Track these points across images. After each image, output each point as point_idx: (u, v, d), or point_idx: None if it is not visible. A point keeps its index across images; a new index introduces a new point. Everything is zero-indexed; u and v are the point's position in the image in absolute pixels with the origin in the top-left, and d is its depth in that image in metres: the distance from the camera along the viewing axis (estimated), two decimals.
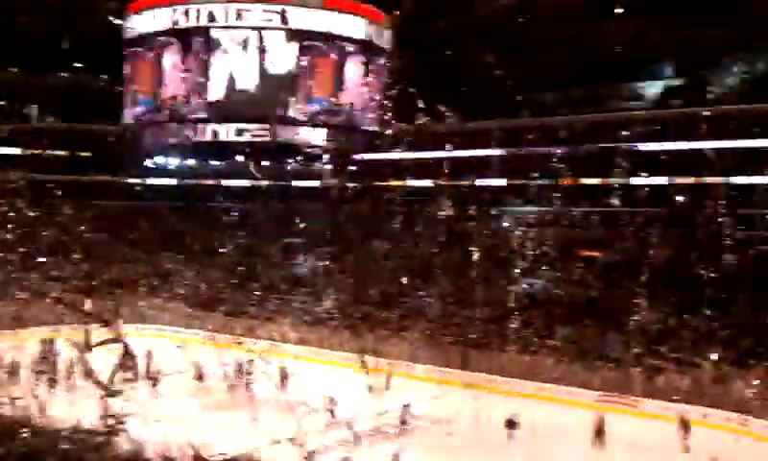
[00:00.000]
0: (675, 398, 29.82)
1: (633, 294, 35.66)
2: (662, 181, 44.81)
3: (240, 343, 41.24)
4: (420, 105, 52.50)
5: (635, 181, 45.29)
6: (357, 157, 54.85)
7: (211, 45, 51.49)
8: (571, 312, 36.35)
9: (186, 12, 51.36)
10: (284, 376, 32.20)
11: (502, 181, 50.50)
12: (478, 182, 49.83)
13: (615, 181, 46.39)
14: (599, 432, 26.34)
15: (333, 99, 53.28)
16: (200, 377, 33.31)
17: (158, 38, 52.95)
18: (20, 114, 57.90)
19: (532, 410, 28.75)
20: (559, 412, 29.89)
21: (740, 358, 30.27)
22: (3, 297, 41.64)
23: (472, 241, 43.25)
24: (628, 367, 32.04)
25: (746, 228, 39.18)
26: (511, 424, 27.22)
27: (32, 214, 48.21)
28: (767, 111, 40.66)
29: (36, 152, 55.99)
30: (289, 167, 55.87)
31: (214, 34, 51.46)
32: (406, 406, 27.95)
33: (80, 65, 59.44)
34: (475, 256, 41.65)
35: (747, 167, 40.66)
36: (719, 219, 39.34)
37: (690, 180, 43.69)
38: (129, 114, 54.74)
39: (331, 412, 27.69)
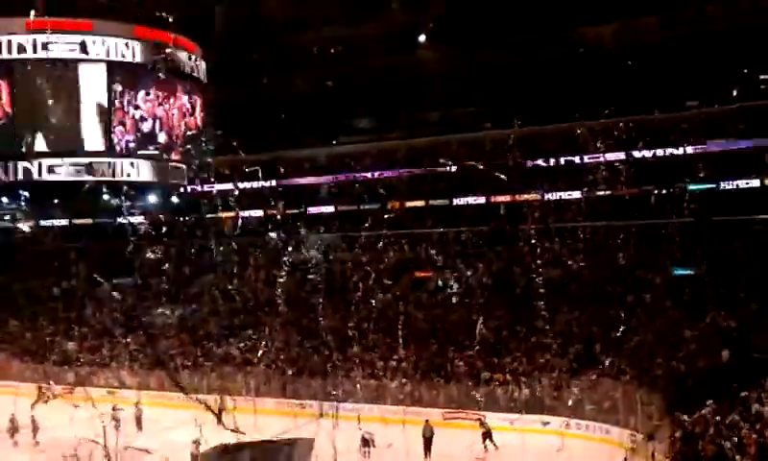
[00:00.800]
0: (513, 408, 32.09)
1: (467, 311, 37.67)
2: (481, 200, 47.72)
3: (72, 392, 39.87)
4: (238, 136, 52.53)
5: (457, 201, 47.76)
6: (181, 189, 53.79)
7: (15, 78, 48.83)
8: (412, 333, 37.66)
9: None
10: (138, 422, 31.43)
11: (330, 208, 51.69)
12: (309, 211, 50.55)
13: (440, 202, 48.71)
14: (427, 444, 29.04)
15: (151, 131, 52.08)
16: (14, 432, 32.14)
17: None
18: None
19: (383, 431, 30.04)
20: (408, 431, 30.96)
21: (571, 366, 32.74)
22: None
23: (309, 269, 43.79)
24: (469, 383, 33.75)
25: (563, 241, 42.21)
26: (365, 442, 28.33)
27: None
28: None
29: None
30: (112, 203, 53.82)
31: (17, 66, 48.81)
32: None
33: None
34: (314, 285, 42.17)
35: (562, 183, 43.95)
36: (537, 235, 42.21)
37: (507, 198, 46.76)
38: None
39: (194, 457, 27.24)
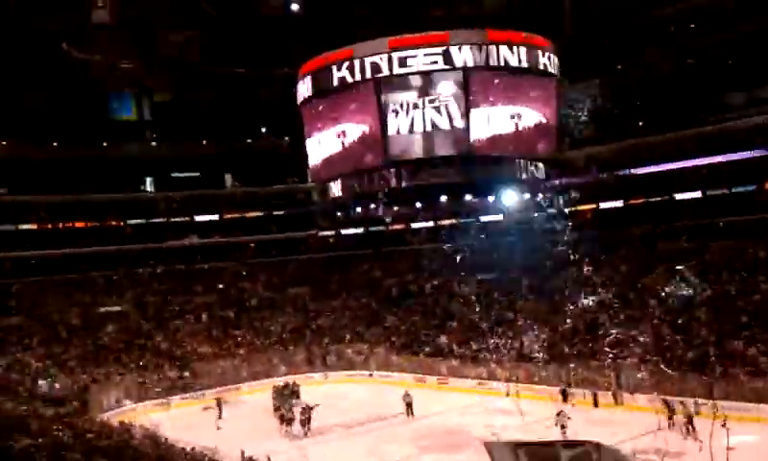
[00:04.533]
0: None
1: None
2: None
3: (446, 383, 42.00)
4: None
5: None
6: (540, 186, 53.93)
7: (382, 95, 52.30)
8: None
9: (351, 68, 52.29)
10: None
11: (697, 194, 48.34)
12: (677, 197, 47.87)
13: None
14: None
15: (510, 131, 52.82)
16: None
17: (330, 96, 54.48)
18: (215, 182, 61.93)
19: None
20: None
21: None
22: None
23: (676, 261, 41.43)
24: None
25: None
26: None
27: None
28: None
29: (233, 216, 59.85)
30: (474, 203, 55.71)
31: (383, 84, 52.16)
32: None
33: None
34: (682, 275, 39.78)
35: None
36: None
37: None
38: (313, 172, 56.73)
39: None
